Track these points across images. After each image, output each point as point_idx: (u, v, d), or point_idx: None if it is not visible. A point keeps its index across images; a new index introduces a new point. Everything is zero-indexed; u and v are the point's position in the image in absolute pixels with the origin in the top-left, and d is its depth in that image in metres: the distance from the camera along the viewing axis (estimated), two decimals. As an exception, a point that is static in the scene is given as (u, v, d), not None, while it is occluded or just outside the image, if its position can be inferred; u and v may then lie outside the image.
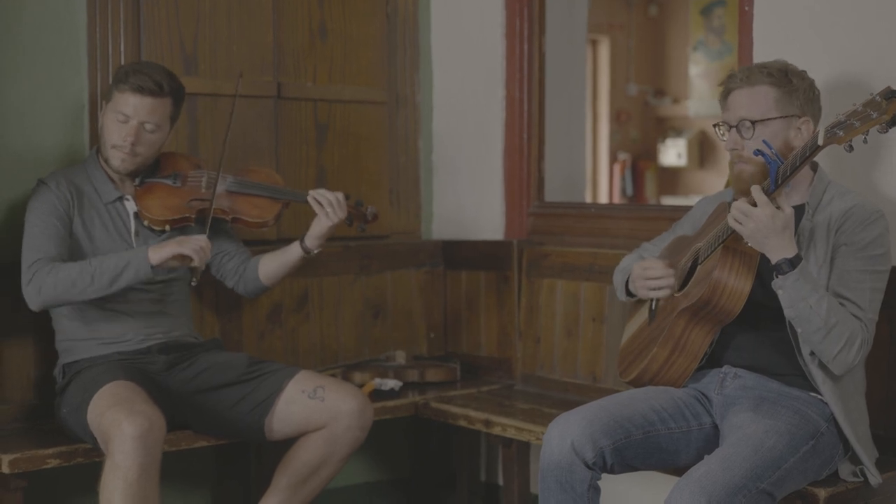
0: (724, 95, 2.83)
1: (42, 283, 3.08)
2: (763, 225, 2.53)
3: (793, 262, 2.56)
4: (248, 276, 3.46)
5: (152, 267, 3.10)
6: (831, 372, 2.66)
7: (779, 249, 2.56)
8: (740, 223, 2.57)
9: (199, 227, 3.33)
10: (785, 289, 2.57)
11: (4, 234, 3.35)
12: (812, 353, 2.66)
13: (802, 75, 2.79)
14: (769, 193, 2.54)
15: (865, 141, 2.45)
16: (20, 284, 3.12)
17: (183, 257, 3.12)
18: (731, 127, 2.79)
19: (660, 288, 2.90)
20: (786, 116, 2.75)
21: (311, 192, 3.37)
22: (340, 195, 3.37)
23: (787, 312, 2.61)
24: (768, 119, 2.74)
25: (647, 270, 2.93)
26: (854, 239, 2.67)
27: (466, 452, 4.05)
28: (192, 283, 3.20)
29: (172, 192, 3.32)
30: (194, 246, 3.12)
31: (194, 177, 3.38)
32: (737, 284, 2.67)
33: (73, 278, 3.07)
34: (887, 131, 2.38)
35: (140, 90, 3.17)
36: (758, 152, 2.61)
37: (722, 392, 2.80)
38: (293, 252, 3.43)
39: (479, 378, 4.02)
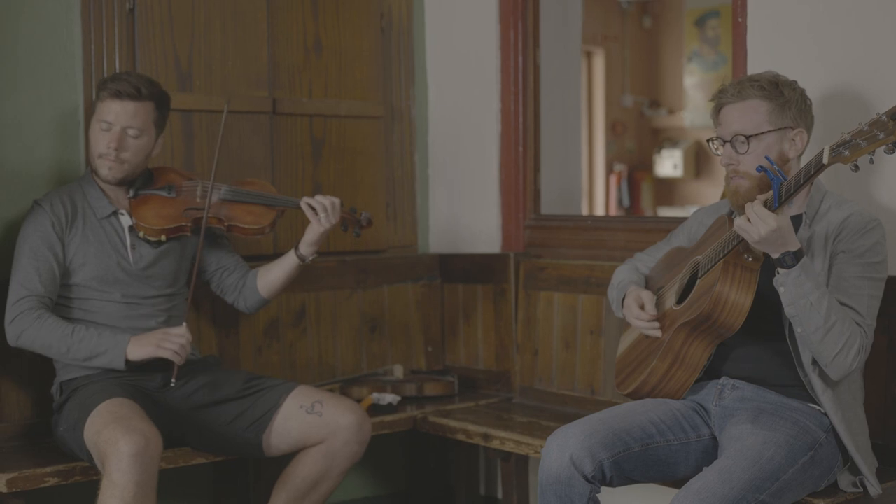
0: (716, 110, 2.82)
1: (23, 331, 3.10)
2: (773, 232, 2.51)
3: (797, 255, 2.55)
4: (248, 289, 3.46)
5: (128, 361, 3.10)
6: (831, 381, 2.66)
7: (782, 247, 2.54)
8: (753, 225, 2.51)
9: (195, 236, 3.34)
10: (787, 286, 2.56)
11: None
12: (812, 363, 2.66)
13: (793, 86, 2.78)
14: (773, 210, 2.53)
15: (871, 161, 2.43)
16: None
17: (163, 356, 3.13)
18: (725, 142, 2.79)
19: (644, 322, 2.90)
20: (779, 129, 2.74)
21: (305, 199, 3.37)
22: (337, 200, 3.37)
23: (788, 310, 2.60)
24: (762, 133, 2.74)
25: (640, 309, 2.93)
26: (852, 246, 2.67)
27: (465, 466, 4.05)
28: (171, 385, 3.17)
29: (167, 203, 3.33)
30: (175, 346, 3.12)
31: (189, 187, 3.39)
32: (738, 299, 2.66)
33: (51, 342, 3.09)
34: (894, 151, 2.36)
35: (118, 95, 3.20)
36: (761, 169, 2.61)
37: (720, 403, 2.80)
38: (289, 261, 3.43)
39: (477, 391, 4.01)
